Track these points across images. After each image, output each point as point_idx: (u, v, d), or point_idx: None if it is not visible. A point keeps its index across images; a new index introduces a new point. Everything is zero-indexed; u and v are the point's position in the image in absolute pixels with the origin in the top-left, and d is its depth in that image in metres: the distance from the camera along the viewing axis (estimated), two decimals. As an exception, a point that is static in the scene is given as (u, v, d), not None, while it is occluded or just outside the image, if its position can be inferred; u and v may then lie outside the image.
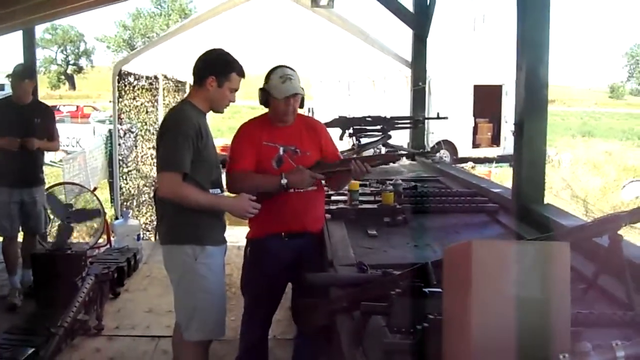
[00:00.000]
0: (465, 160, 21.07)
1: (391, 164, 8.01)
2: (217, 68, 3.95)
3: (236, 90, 4.04)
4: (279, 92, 4.13)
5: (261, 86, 4.25)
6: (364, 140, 7.80)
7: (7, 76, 6.52)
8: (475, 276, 1.71)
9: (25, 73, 6.50)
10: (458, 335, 1.80)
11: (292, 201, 4.17)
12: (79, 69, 65.21)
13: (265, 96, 4.20)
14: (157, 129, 11.58)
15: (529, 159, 4.45)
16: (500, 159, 21.67)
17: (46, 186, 7.40)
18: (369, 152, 8.00)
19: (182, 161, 3.75)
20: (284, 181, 4.03)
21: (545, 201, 4.63)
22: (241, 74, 4.02)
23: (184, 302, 4.03)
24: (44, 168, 7.17)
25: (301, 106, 4.36)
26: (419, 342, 2.04)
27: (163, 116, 11.57)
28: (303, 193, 4.19)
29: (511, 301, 1.71)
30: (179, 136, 3.78)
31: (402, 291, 2.30)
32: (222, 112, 4.18)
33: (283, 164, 4.18)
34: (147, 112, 11.54)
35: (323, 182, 4.39)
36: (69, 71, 64.44)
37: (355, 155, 4.62)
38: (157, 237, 4.73)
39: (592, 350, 1.52)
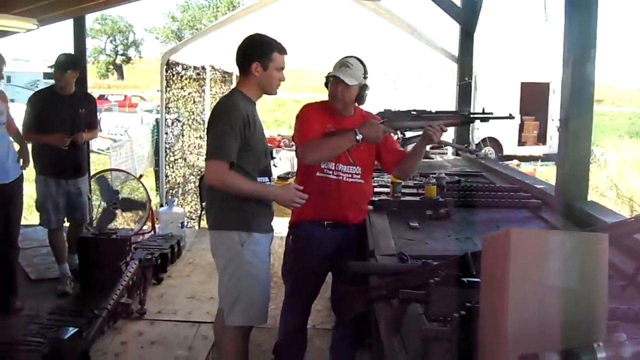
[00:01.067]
0: (510, 157, 20.84)
1: (437, 158, 8.02)
2: (258, 51, 3.97)
3: (282, 68, 4.05)
4: (332, 71, 4.23)
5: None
6: (408, 134, 7.80)
7: (50, 67, 6.54)
8: (513, 265, 1.72)
9: (67, 64, 6.50)
10: (494, 323, 1.81)
11: (338, 191, 4.25)
12: (128, 59, 65.60)
13: (327, 78, 4.30)
14: (204, 118, 11.78)
15: (573, 156, 4.42)
16: (546, 158, 21.43)
17: (93, 173, 7.49)
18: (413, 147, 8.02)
19: (228, 150, 3.79)
20: (359, 137, 4.06)
21: (590, 199, 4.60)
22: (282, 51, 4.04)
23: (229, 287, 4.05)
24: (91, 156, 7.26)
25: (361, 102, 4.43)
26: (455, 330, 2.06)
27: (211, 106, 11.71)
28: (350, 184, 4.25)
29: (547, 290, 1.72)
30: (227, 125, 3.82)
31: (440, 280, 2.32)
32: (275, 93, 4.18)
33: None
34: (194, 101, 11.65)
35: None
36: (117, 61, 64.87)
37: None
38: (206, 223, 4.76)
39: (627, 341, 1.52)
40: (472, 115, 5.64)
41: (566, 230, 3.19)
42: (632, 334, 1.66)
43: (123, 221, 9.73)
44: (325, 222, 4.31)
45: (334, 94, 4.27)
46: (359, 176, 4.31)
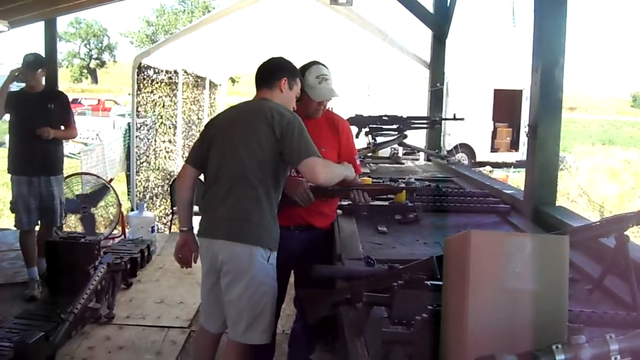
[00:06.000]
0: (483, 164, 20.96)
1: (408, 163, 8.04)
2: (291, 69, 4.01)
3: (297, 97, 4.07)
4: (316, 94, 4.21)
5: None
6: (379, 140, 7.83)
7: (19, 69, 6.51)
8: (473, 266, 1.72)
9: (37, 63, 6.57)
10: (454, 325, 1.81)
11: None
12: (102, 64, 65.34)
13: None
14: (175, 123, 11.71)
15: (542, 161, 4.43)
16: (519, 164, 21.55)
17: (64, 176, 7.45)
18: (384, 151, 8.04)
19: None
20: None
21: (560, 205, 4.62)
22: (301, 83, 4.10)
23: (251, 304, 3.85)
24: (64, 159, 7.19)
25: None
26: (417, 332, 2.05)
27: (183, 110, 11.64)
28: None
29: (508, 292, 1.72)
30: (302, 125, 3.81)
31: (404, 283, 2.31)
32: None
33: None
34: (163, 105, 11.58)
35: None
36: (91, 65, 64.64)
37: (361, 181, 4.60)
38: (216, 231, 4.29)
39: (586, 343, 1.52)
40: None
41: (526, 233, 3.20)
42: (596, 337, 1.66)
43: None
44: (292, 226, 4.29)
45: (317, 110, 4.29)
46: None
